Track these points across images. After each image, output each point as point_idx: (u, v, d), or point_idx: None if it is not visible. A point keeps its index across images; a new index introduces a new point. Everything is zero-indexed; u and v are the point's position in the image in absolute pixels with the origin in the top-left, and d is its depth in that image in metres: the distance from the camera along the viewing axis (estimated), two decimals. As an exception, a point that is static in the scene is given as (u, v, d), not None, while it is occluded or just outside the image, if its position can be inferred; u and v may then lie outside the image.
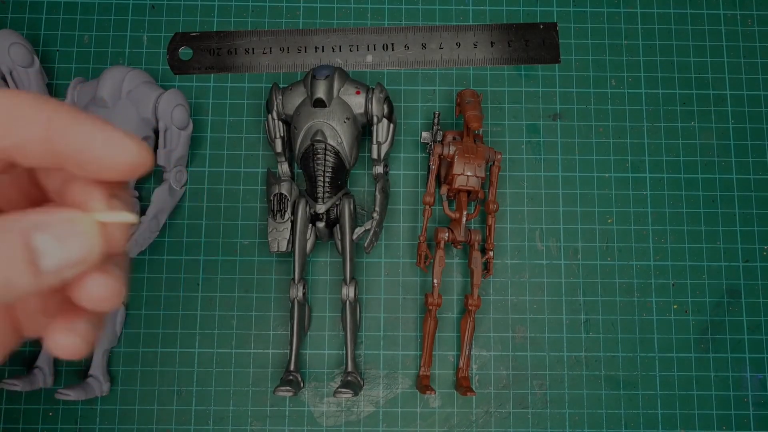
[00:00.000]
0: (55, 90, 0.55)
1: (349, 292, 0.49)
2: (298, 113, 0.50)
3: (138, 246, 0.49)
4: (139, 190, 0.53)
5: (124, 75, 0.49)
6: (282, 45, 0.56)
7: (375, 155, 0.51)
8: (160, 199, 0.50)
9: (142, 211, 0.51)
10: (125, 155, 0.18)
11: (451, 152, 0.49)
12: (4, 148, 0.18)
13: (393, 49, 0.56)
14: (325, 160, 0.49)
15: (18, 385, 0.46)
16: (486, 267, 0.51)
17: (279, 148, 0.51)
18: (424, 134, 0.52)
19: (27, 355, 0.52)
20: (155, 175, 0.54)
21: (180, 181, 0.52)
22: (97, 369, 0.49)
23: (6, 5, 0.56)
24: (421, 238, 0.50)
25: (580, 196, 0.54)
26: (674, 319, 0.53)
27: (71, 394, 0.46)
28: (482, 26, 0.56)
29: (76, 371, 0.51)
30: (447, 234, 0.50)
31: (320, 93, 0.49)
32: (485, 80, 0.56)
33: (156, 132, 0.51)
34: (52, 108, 0.18)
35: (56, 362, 0.51)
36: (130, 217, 0.19)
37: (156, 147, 0.52)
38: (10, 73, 0.50)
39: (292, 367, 0.48)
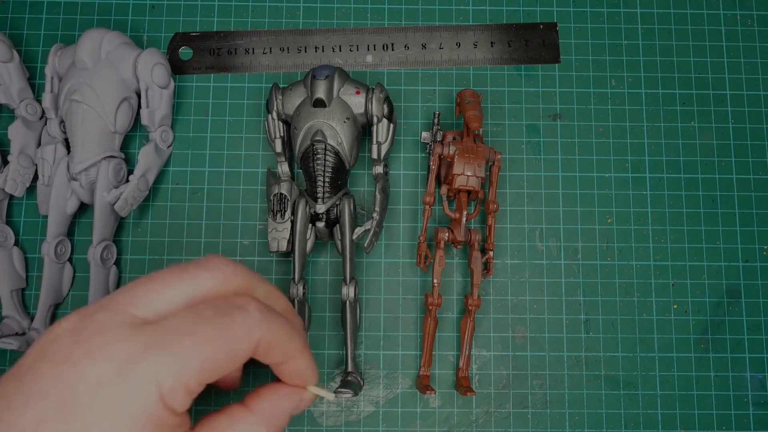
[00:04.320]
0: (55, 90, 0.55)
1: (349, 291, 0.49)
2: (298, 113, 0.50)
3: (128, 205, 0.49)
4: (126, 154, 0.53)
5: (102, 36, 0.49)
6: (282, 45, 0.56)
7: (375, 155, 0.51)
8: (147, 157, 0.50)
9: (130, 171, 0.52)
10: (312, 380, 0.33)
11: (451, 152, 0.49)
12: (275, 363, 0.31)
13: (393, 49, 0.56)
14: (325, 160, 0.49)
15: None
16: (486, 267, 0.51)
17: (279, 148, 0.51)
18: (424, 134, 0.52)
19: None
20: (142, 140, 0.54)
21: (166, 140, 0.52)
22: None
23: (6, 5, 0.56)
24: (421, 238, 0.50)
25: (580, 196, 0.54)
26: (674, 319, 0.53)
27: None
28: (482, 26, 0.56)
29: (76, 371, 0.51)
30: (447, 234, 0.50)
31: (320, 93, 0.49)
32: (485, 80, 0.56)
33: (138, 93, 0.51)
34: (302, 342, 0.31)
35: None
36: (328, 395, 0.33)
37: (139, 107, 0.52)
38: None
39: (292, 367, 0.48)
